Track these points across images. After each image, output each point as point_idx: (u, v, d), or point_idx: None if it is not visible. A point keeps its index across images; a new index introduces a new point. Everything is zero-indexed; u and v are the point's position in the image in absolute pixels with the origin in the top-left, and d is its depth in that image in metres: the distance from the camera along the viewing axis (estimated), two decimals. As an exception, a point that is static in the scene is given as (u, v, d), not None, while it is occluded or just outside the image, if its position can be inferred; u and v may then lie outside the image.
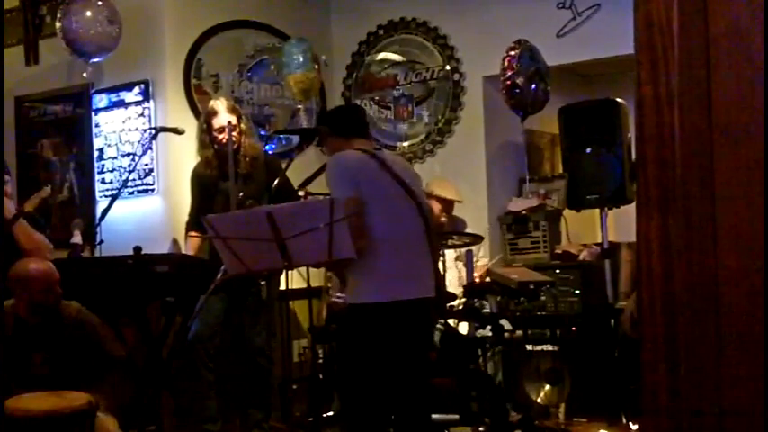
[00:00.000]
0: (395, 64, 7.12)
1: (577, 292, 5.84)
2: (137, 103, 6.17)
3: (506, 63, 6.14)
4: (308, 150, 6.90)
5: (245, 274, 3.74)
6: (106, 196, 6.07)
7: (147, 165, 6.05)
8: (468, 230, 5.89)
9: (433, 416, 4.87)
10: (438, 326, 5.15)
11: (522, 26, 6.41)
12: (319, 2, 7.30)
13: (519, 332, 5.71)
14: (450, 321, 5.30)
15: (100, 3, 5.97)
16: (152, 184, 6.09)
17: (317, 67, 6.48)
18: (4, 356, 4.13)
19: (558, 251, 6.20)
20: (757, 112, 1.67)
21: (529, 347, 5.61)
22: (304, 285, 5.40)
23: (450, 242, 5.45)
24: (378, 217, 3.72)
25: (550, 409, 5.51)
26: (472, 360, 5.14)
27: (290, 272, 4.76)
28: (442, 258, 5.43)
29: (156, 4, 6.23)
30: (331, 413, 5.36)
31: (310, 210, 3.62)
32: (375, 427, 3.83)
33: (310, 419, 5.35)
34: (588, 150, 5.89)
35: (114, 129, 6.30)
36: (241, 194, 5.04)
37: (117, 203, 5.34)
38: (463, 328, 5.61)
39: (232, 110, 5.38)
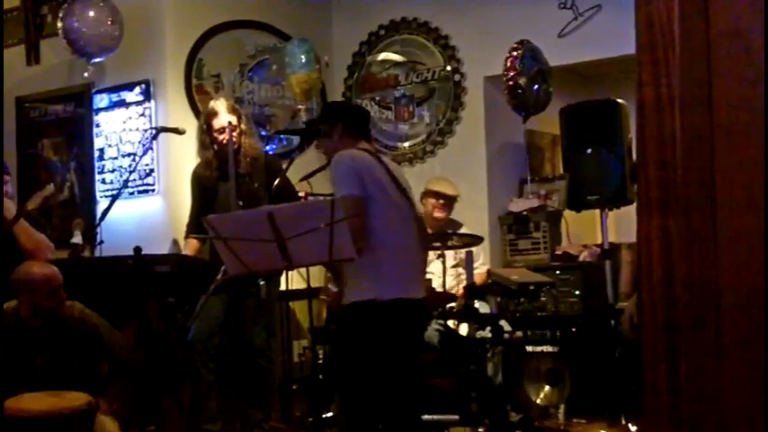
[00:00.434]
0: (396, 64, 7.11)
1: (578, 292, 5.84)
2: (137, 103, 6.17)
3: (509, 63, 6.14)
4: (308, 150, 6.90)
5: (245, 275, 3.74)
6: (107, 196, 6.07)
7: (147, 165, 6.05)
8: (467, 231, 5.88)
9: (433, 416, 4.88)
10: (438, 326, 5.15)
11: (524, 26, 6.41)
12: (320, 2, 7.30)
13: (519, 333, 5.70)
14: (450, 322, 5.30)
15: (101, 3, 5.97)
16: (152, 185, 6.09)
17: (318, 67, 6.49)
18: (6, 359, 4.13)
19: (559, 252, 6.20)
20: (758, 113, 1.67)
21: (529, 348, 5.60)
22: (304, 286, 5.40)
23: (450, 243, 5.44)
24: (381, 218, 3.77)
25: (550, 410, 5.50)
26: (473, 361, 5.13)
27: (289, 272, 4.76)
28: (442, 259, 5.44)
29: (158, 4, 6.23)
30: (331, 413, 5.35)
31: (311, 210, 3.61)
32: (373, 427, 3.84)
33: (310, 420, 5.35)
34: (589, 151, 5.88)
35: (115, 129, 6.30)
36: (240, 204, 5.02)
37: (117, 204, 5.33)
38: (463, 329, 5.61)
39: (232, 110, 5.37)
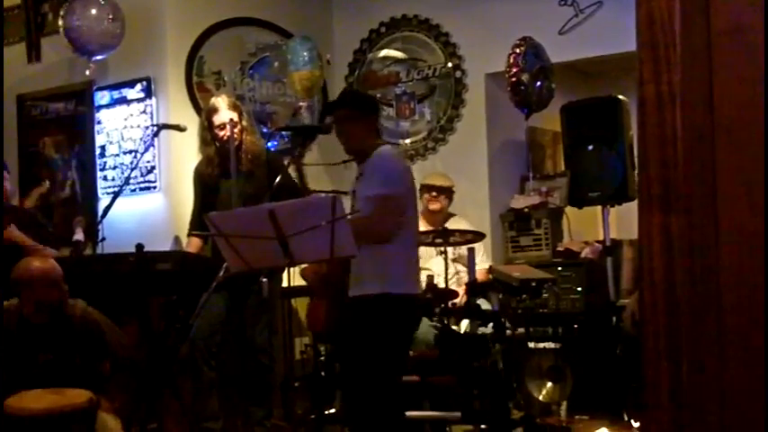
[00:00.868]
0: (397, 61, 7.11)
1: (579, 289, 5.84)
2: (139, 101, 6.18)
3: (511, 60, 6.14)
4: (309, 147, 6.91)
5: (247, 272, 3.75)
6: (108, 194, 6.06)
7: (149, 162, 6.05)
8: (468, 227, 5.88)
9: (435, 413, 4.89)
10: (434, 324, 5.16)
11: (524, 23, 6.41)
12: (322, -1, 7.32)
13: (521, 330, 5.70)
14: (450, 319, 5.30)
15: (102, 1, 5.98)
16: (154, 182, 6.09)
17: (320, 64, 6.50)
18: (8, 356, 4.13)
19: (560, 249, 6.20)
20: (759, 111, 1.67)
21: (531, 345, 5.60)
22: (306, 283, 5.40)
23: (452, 239, 5.45)
24: (407, 216, 3.99)
25: (552, 407, 5.50)
26: (475, 358, 5.13)
27: (291, 269, 4.75)
28: (443, 256, 5.45)
29: (158, 1, 6.23)
30: (333, 411, 5.36)
31: (312, 207, 3.62)
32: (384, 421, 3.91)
33: (312, 417, 5.35)
34: (590, 148, 5.88)
35: (116, 126, 6.30)
36: (242, 201, 5.02)
37: (119, 201, 5.34)
38: (464, 326, 5.61)
39: (233, 107, 5.37)
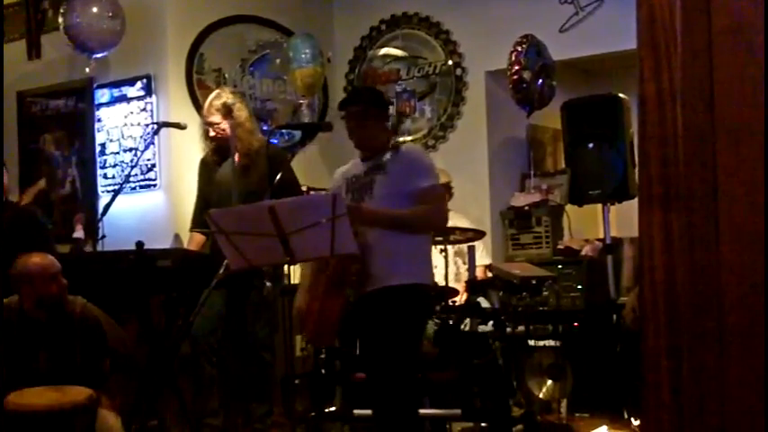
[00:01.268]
0: (397, 59, 7.11)
1: (580, 287, 5.84)
2: (139, 98, 6.17)
3: (513, 58, 6.13)
4: (310, 145, 6.91)
5: (247, 269, 3.75)
6: (108, 191, 6.07)
7: (149, 160, 6.05)
8: (468, 225, 5.88)
9: (435, 411, 4.89)
10: (435, 320, 5.16)
11: (525, 21, 6.41)
12: (322, -3, 7.32)
13: (521, 328, 5.70)
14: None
15: (102, -2, 5.98)
16: (154, 179, 6.09)
17: (322, 62, 6.50)
18: (9, 353, 4.13)
19: (561, 246, 6.20)
20: (759, 109, 1.67)
21: (531, 343, 5.60)
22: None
23: (452, 237, 5.44)
24: None
25: (552, 405, 5.51)
26: (476, 356, 5.13)
27: (292, 266, 4.76)
28: (444, 254, 5.44)
29: (159, -1, 6.24)
30: (333, 408, 5.36)
31: (312, 205, 3.62)
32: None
33: (312, 414, 5.35)
34: (591, 146, 5.87)
35: (116, 124, 6.30)
36: (238, 199, 5.03)
37: (119, 198, 5.33)
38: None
39: (220, 109, 5.29)
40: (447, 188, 6.17)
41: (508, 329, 5.30)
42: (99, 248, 5.59)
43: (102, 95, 6.36)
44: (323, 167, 6.62)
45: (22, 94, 6.79)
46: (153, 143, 5.89)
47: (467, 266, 5.65)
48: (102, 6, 5.95)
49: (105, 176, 6.32)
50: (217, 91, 5.54)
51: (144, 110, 6.15)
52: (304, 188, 5.41)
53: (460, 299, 5.42)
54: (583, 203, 6.12)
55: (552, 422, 5.32)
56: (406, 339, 3.91)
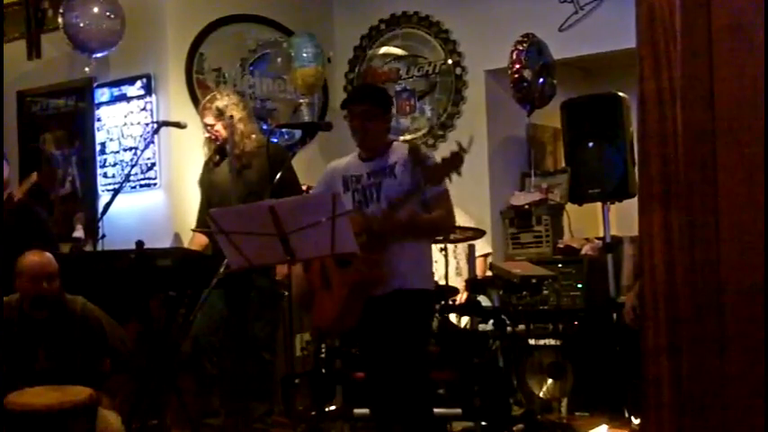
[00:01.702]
0: (397, 58, 7.11)
1: (580, 286, 5.84)
2: (139, 98, 6.17)
3: (514, 56, 6.13)
4: (309, 144, 6.91)
5: (248, 269, 3.74)
6: (108, 190, 6.07)
7: (149, 159, 6.06)
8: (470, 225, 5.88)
9: (435, 410, 4.88)
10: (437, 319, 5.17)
11: (525, 20, 6.41)
12: (321, -4, 7.31)
13: (521, 327, 5.70)
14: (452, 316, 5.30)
15: (102, -3, 5.98)
16: (154, 179, 6.09)
17: (323, 61, 6.50)
18: (9, 352, 4.13)
19: (561, 245, 6.20)
20: (760, 108, 1.67)
21: (531, 342, 5.60)
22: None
23: (452, 236, 5.44)
24: None
25: (553, 404, 5.51)
26: (476, 355, 5.13)
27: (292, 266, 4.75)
28: (444, 252, 5.44)
29: (158, -2, 6.24)
30: (333, 407, 5.36)
31: (312, 204, 3.62)
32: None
33: (313, 414, 5.35)
34: (591, 144, 5.87)
35: (116, 123, 6.30)
36: (237, 198, 5.04)
37: (119, 198, 5.34)
38: (463, 322, 5.61)
39: (214, 112, 5.29)
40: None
41: (508, 328, 5.30)
42: (99, 248, 5.59)
43: (102, 95, 6.36)
44: (323, 167, 6.54)
45: (22, 94, 6.79)
46: (153, 142, 5.89)
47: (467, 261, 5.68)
48: (102, 6, 5.96)
49: (105, 176, 6.32)
50: (213, 93, 5.56)
51: (144, 109, 6.15)
52: (304, 187, 5.39)
53: (461, 298, 5.43)
54: (583, 202, 6.12)
55: (552, 421, 5.32)
56: (420, 341, 3.98)
